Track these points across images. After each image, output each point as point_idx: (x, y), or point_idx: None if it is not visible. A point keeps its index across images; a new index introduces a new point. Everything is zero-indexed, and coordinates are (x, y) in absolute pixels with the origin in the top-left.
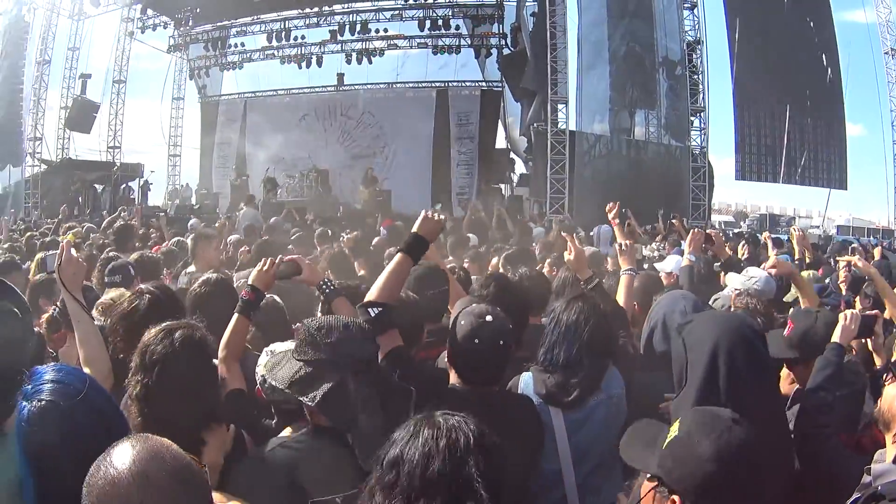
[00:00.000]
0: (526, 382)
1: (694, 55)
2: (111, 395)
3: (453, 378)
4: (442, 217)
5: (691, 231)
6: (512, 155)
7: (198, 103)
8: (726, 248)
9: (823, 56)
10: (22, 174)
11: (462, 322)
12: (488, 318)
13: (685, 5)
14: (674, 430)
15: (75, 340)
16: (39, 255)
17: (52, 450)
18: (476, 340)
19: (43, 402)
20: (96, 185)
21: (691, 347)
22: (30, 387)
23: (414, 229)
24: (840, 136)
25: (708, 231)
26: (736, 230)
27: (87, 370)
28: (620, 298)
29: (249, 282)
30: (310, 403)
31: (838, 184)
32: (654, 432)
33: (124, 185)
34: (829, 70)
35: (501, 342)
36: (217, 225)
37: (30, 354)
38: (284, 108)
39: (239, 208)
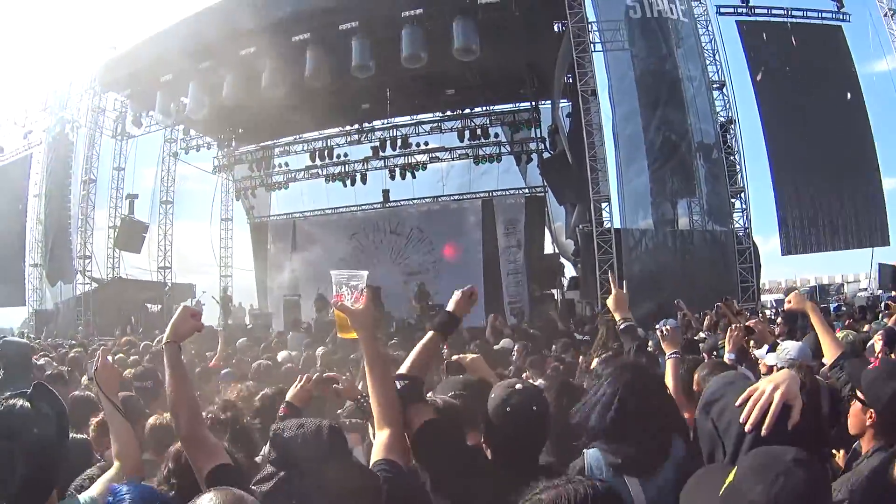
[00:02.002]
0: (593, 457)
1: (728, 135)
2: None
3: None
4: (475, 292)
5: (729, 330)
6: (561, 259)
7: (246, 224)
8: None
9: (852, 114)
10: (73, 291)
11: (493, 395)
12: (518, 386)
13: (714, 86)
14: (731, 476)
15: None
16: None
17: None
18: (508, 408)
19: None
20: (148, 305)
21: (727, 428)
22: (111, 498)
23: (448, 308)
24: (878, 193)
25: (748, 323)
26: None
27: (117, 463)
28: (668, 383)
29: (287, 398)
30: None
31: (881, 241)
32: (716, 480)
33: (177, 306)
34: (860, 128)
35: (534, 407)
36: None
37: (65, 456)
38: (333, 226)
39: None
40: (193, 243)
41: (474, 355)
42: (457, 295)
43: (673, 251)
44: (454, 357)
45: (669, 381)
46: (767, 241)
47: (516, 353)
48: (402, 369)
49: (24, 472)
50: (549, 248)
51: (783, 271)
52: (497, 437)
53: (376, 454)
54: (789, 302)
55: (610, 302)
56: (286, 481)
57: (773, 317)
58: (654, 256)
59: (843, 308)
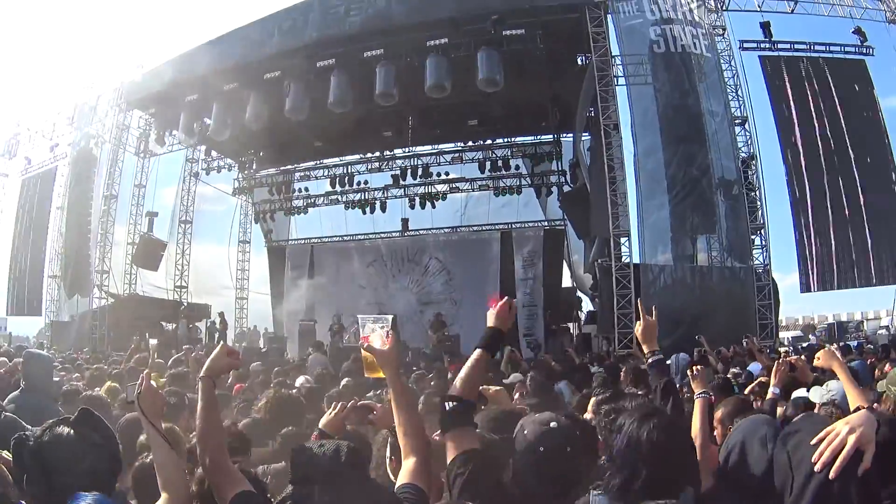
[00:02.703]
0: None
1: (749, 171)
2: None
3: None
4: (513, 303)
5: (776, 363)
6: (578, 293)
7: (264, 247)
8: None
9: (875, 149)
10: (89, 305)
11: (525, 431)
12: (553, 424)
13: (736, 122)
14: None
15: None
16: (110, 384)
17: None
18: (542, 448)
19: None
20: (163, 323)
21: (799, 463)
22: None
23: (489, 323)
24: None
25: (790, 359)
26: (804, 343)
27: (164, 495)
28: (695, 423)
29: (320, 426)
30: None
31: None
32: None
33: (192, 326)
34: (882, 163)
35: (569, 449)
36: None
37: (115, 485)
38: (352, 253)
39: (308, 353)
40: (210, 264)
41: (497, 388)
42: (493, 312)
43: (692, 287)
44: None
45: (696, 421)
46: (786, 277)
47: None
48: (453, 390)
49: None
50: (566, 281)
51: (801, 308)
52: (528, 476)
53: (402, 479)
54: (818, 359)
55: (638, 331)
56: (305, 497)
57: (791, 355)
58: (672, 292)
59: (867, 346)
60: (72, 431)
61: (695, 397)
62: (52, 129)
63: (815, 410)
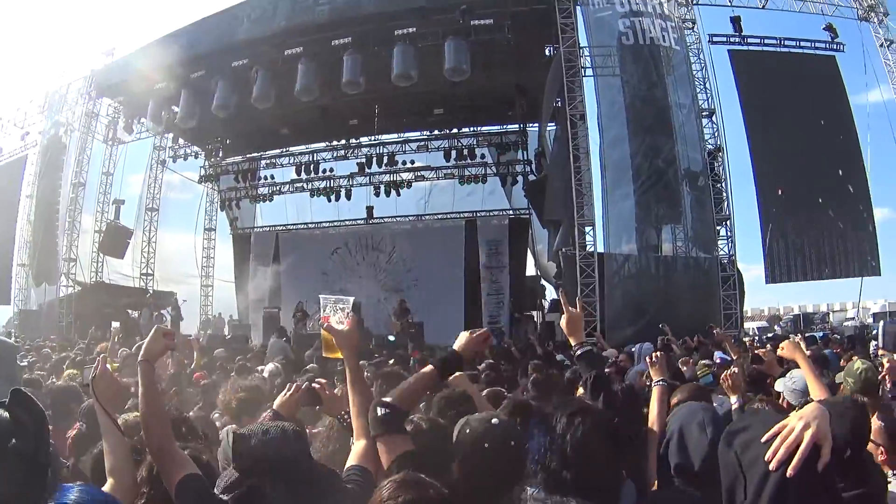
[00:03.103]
0: (535, 499)
1: (715, 163)
2: None
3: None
4: (489, 337)
5: (727, 374)
6: (542, 281)
7: (229, 235)
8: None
9: (844, 145)
10: (56, 293)
11: (469, 428)
12: (495, 420)
13: (703, 114)
14: None
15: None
16: (70, 371)
17: None
18: (486, 444)
19: None
20: (129, 311)
21: (751, 464)
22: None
23: (455, 344)
24: (868, 223)
25: (759, 352)
26: (769, 334)
27: (110, 480)
28: (652, 411)
29: (274, 406)
30: None
31: (871, 271)
32: None
33: (157, 313)
34: (851, 158)
35: (513, 443)
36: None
37: (43, 472)
38: (316, 241)
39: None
40: (176, 252)
41: (458, 372)
42: (466, 336)
43: (656, 277)
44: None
45: (654, 409)
46: (751, 268)
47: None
48: (389, 397)
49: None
50: (531, 269)
51: (766, 298)
52: (470, 469)
53: (351, 460)
54: (782, 349)
55: (563, 324)
56: (256, 489)
57: (756, 345)
58: (637, 281)
59: (832, 336)
60: (4, 413)
61: (652, 385)
62: (24, 117)
63: (782, 400)
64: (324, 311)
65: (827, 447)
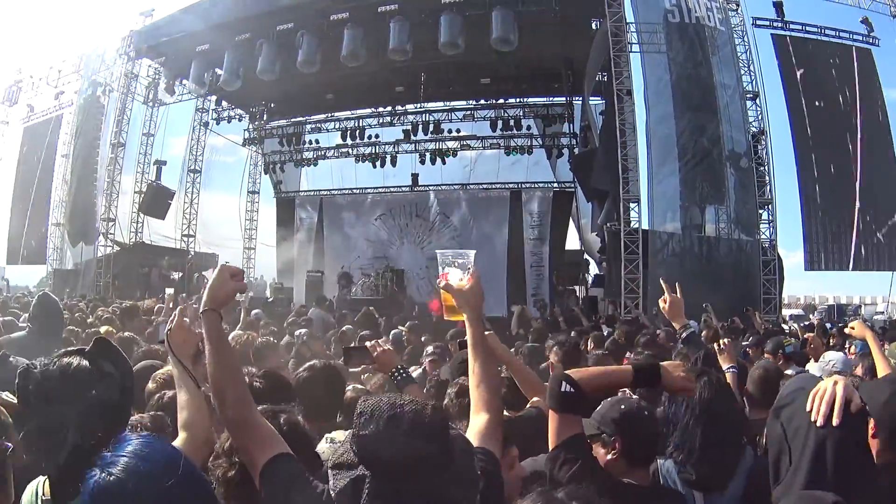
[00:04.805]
0: (666, 468)
1: (759, 146)
2: (201, 478)
3: (607, 458)
4: (387, 349)
5: (722, 342)
6: (585, 255)
7: (273, 198)
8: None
9: (879, 134)
10: (94, 253)
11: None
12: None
13: (748, 96)
14: None
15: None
16: (107, 328)
17: None
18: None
19: (111, 478)
20: (169, 271)
21: (794, 434)
22: (109, 454)
23: (663, 365)
24: None
25: (806, 336)
26: (805, 322)
27: (184, 434)
28: None
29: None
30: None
31: None
32: None
33: (198, 274)
34: (886, 149)
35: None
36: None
37: (126, 421)
38: (360, 206)
39: (310, 307)
40: (218, 214)
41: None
42: (675, 368)
43: (699, 257)
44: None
45: None
46: (790, 254)
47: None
48: (577, 375)
49: (76, 441)
50: (572, 243)
51: (802, 286)
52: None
53: (474, 439)
54: (852, 328)
55: (664, 308)
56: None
57: (790, 330)
58: (680, 260)
59: None
60: (84, 361)
61: (725, 371)
62: (57, 76)
63: None
64: (441, 267)
65: (856, 398)
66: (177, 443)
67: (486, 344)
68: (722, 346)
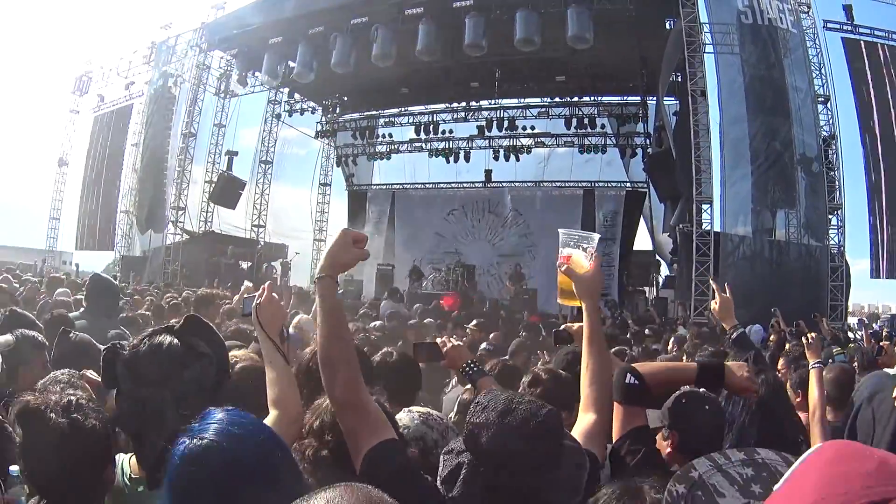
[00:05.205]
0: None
1: (829, 151)
2: (288, 449)
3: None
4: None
5: (809, 336)
6: (657, 256)
7: (344, 191)
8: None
9: None
10: (163, 241)
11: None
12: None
13: (819, 100)
14: None
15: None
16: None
17: (203, 496)
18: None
19: (203, 441)
20: (231, 259)
21: (881, 416)
22: (196, 424)
23: (728, 363)
24: None
25: (882, 344)
26: (869, 331)
27: (275, 412)
28: (813, 393)
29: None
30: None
31: None
32: None
33: (266, 265)
34: None
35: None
36: None
37: (224, 398)
38: (433, 201)
39: (381, 300)
40: (289, 205)
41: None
42: (739, 369)
43: (769, 261)
44: (563, 326)
45: (814, 391)
46: (856, 262)
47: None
48: (641, 369)
49: (175, 424)
50: (641, 244)
51: (866, 296)
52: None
53: (581, 438)
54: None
55: (714, 308)
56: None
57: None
58: (750, 264)
59: None
60: (175, 340)
61: (810, 367)
62: (128, 67)
63: None
64: (563, 248)
65: None
66: (267, 420)
67: (602, 336)
68: (809, 339)
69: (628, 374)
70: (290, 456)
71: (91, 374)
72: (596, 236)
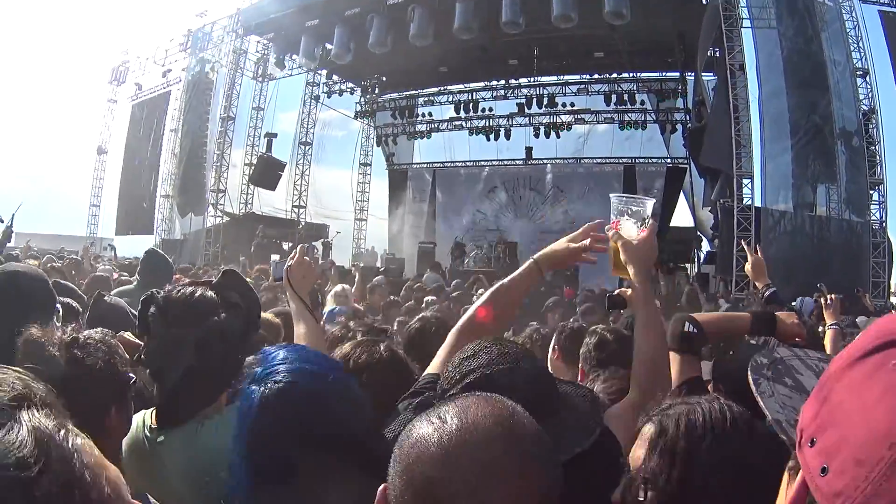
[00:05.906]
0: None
1: (870, 125)
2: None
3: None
4: None
5: (830, 297)
6: (698, 232)
7: (385, 170)
8: None
9: None
10: (203, 223)
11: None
12: None
13: (858, 73)
14: None
15: None
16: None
17: (286, 438)
18: None
19: (279, 385)
20: (263, 240)
21: None
22: (259, 369)
23: (779, 316)
24: None
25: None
26: None
27: None
28: (828, 350)
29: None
30: None
31: None
32: None
33: (308, 245)
34: None
35: None
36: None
37: (247, 353)
38: (473, 179)
39: (424, 274)
40: (330, 186)
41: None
42: (789, 317)
43: (810, 237)
44: (617, 291)
45: (829, 349)
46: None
47: None
48: (700, 317)
49: (191, 364)
50: (681, 220)
51: None
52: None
53: (608, 420)
54: None
55: (748, 269)
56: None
57: None
58: (791, 239)
59: None
60: (209, 291)
61: (827, 327)
62: (164, 55)
63: None
64: (614, 214)
65: None
66: None
67: (653, 307)
68: (830, 300)
69: (687, 323)
70: (356, 385)
71: (128, 335)
72: (650, 201)
